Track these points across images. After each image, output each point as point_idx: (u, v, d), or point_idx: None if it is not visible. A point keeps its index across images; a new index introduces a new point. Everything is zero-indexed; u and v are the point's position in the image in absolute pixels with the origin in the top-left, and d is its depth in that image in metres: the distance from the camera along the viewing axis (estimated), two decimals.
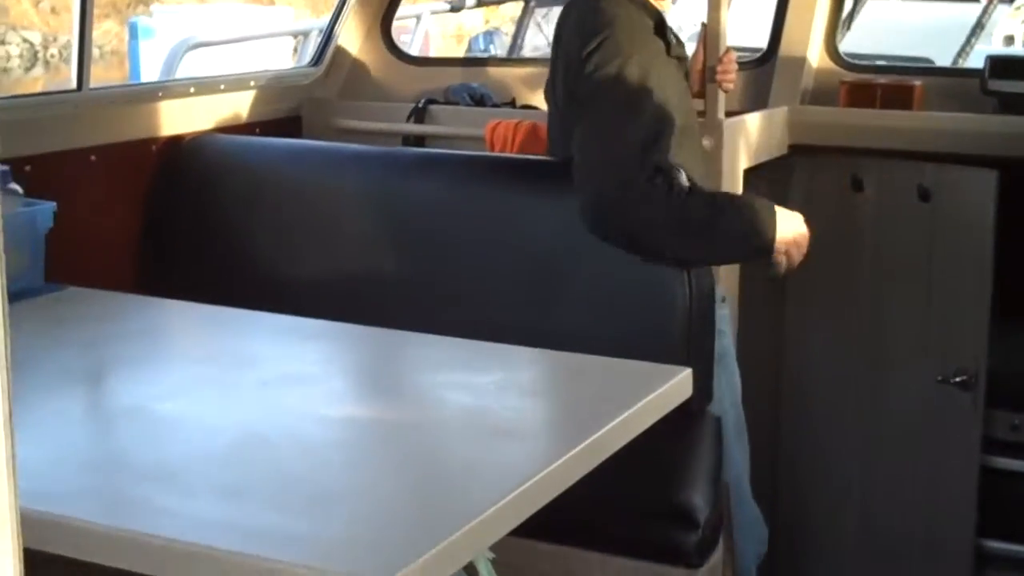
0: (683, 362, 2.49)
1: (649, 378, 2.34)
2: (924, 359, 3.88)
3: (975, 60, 7.93)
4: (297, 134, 4.05)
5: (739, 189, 3.62)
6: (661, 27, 3.00)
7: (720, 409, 3.09)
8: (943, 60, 6.96)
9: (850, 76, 4.09)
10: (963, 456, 3.79)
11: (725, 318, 3.22)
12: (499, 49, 21.01)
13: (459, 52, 21.91)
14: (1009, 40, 9.83)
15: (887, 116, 3.93)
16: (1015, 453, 3.82)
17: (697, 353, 2.92)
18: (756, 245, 2.93)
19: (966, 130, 3.82)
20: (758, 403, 3.45)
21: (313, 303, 3.01)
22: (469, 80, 4.20)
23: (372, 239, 3.28)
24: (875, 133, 3.90)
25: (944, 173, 3.80)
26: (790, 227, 2.96)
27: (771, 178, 3.90)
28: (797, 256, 2.98)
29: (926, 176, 3.82)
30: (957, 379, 3.78)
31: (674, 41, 3.03)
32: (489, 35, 20.71)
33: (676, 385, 2.34)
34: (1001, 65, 3.87)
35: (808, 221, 3.00)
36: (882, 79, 4.05)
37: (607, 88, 2.83)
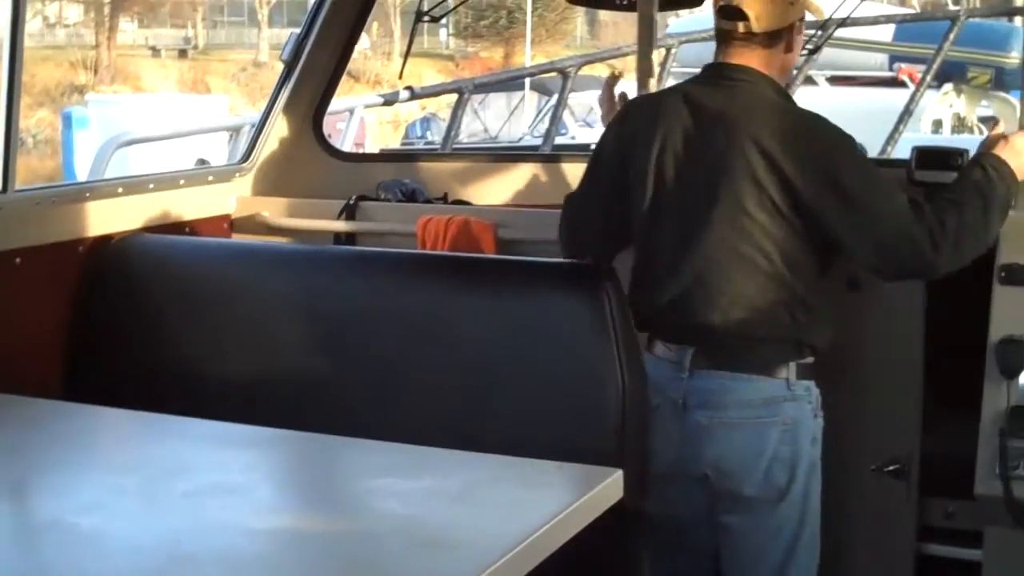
0: (617, 461, 2.48)
1: (580, 480, 2.33)
2: (858, 448, 3.88)
3: (905, 146, 8.09)
4: (228, 232, 4.03)
5: None
6: None
7: (803, 517, 3.17)
8: (875, 144, 7.08)
9: None
10: (899, 544, 3.78)
11: (820, 427, 3.23)
12: (437, 135, 21.15)
13: (396, 138, 22.04)
14: (937, 125, 10.01)
15: None
16: (950, 540, 3.82)
17: (631, 453, 2.90)
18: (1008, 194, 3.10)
19: None
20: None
21: (244, 407, 2.97)
22: (401, 175, 4.20)
23: (304, 340, 3.24)
24: None
25: None
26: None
27: None
28: None
29: None
30: (891, 468, 3.79)
31: None
32: (426, 121, 20.87)
33: (607, 487, 2.32)
34: (927, 156, 3.92)
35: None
36: None
37: (868, 174, 3.07)
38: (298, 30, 4.14)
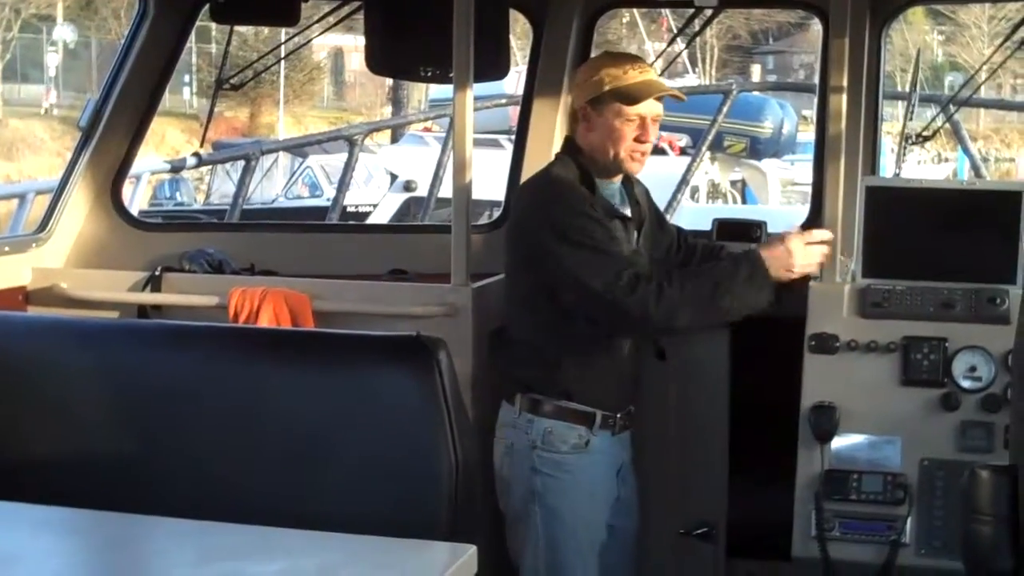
0: (450, 535, 2.50)
1: (435, 558, 2.32)
2: (666, 512, 3.96)
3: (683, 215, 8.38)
4: (23, 305, 3.85)
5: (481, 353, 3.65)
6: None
7: (527, 546, 3.48)
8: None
9: None
10: None
11: (553, 463, 3.48)
12: (186, 196, 20.65)
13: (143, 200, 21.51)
14: (694, 191, 10.34)
15: None
16: None
17: (465, 526, 2.89)
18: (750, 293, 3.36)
19: None
20: None
21: (52, 491, 2.82)
22: (204, 245, 4.10)
23: (114, 420, 3.09)
24: None
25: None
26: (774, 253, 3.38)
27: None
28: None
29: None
30: (699, 531, 3.88)
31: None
32: (175, 183, 20.45)
33: (464, 564, 2.31)
34: (726, 228, 4.06)
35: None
36: None
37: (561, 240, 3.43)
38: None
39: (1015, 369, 2.23)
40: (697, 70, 30.95)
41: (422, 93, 25.05)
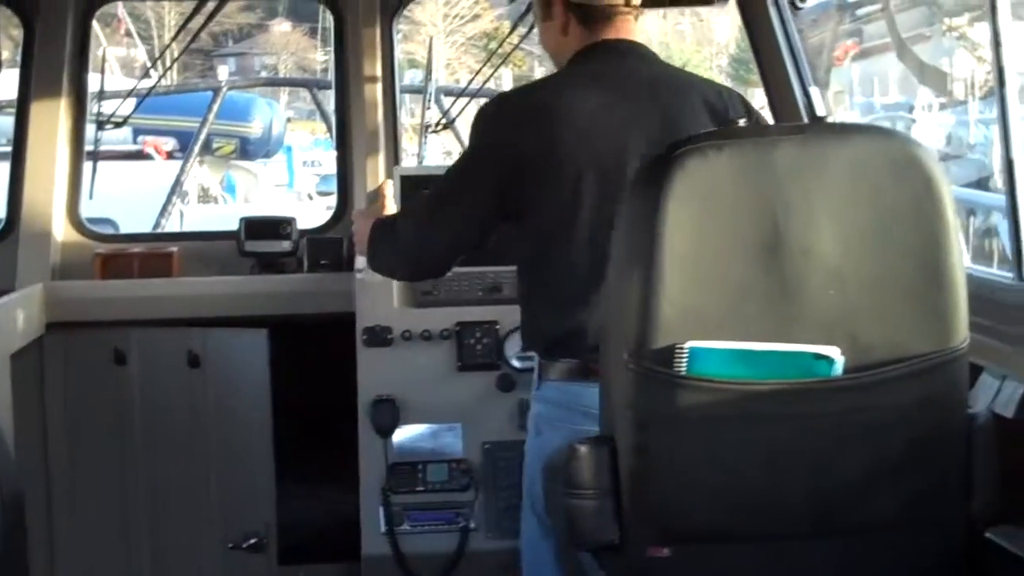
0: None
1: None
2: (210, 528, 3.80)
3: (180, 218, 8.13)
4: None
5: (6, 380, 3.33)
6: None
7: None
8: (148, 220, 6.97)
9: (103, 247, 3.94)
10: None
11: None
12: None
13: None
14: (184, 195, 10.01)
15: (148, 285, 3.84)
16: None
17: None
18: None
19: (229, 292, 3.83)
20: None
21: None
22: None
23: None
24: (138, 304, 3.79)
25: (212, 337, 3.78)
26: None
27: (25, 362, 3.63)
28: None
29: (194, 341, 3.78)
30: (248, 543, 3.75)
31: None
32: None
33: None
34: (255, 226, 3.94)
35: None
36: (137, 248, 3.96)
37: None
38: None
39: (603, 347, 2.24)
40: (154, 72, 30.18)
41: None
